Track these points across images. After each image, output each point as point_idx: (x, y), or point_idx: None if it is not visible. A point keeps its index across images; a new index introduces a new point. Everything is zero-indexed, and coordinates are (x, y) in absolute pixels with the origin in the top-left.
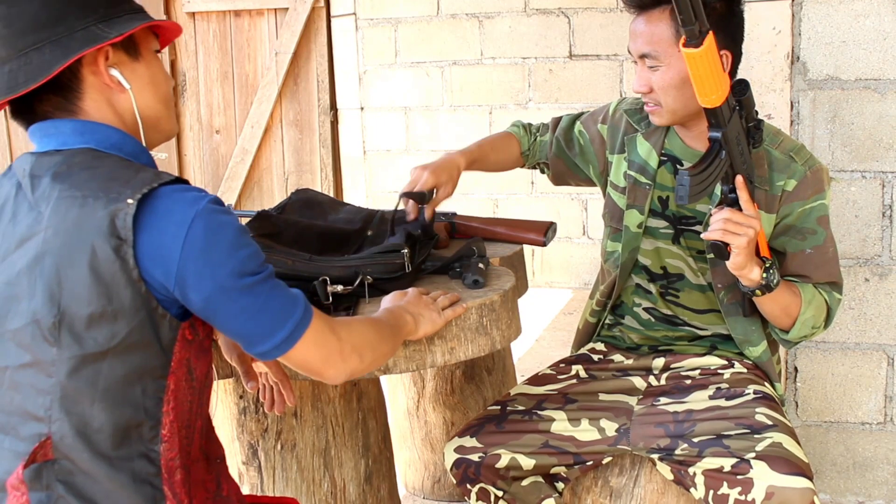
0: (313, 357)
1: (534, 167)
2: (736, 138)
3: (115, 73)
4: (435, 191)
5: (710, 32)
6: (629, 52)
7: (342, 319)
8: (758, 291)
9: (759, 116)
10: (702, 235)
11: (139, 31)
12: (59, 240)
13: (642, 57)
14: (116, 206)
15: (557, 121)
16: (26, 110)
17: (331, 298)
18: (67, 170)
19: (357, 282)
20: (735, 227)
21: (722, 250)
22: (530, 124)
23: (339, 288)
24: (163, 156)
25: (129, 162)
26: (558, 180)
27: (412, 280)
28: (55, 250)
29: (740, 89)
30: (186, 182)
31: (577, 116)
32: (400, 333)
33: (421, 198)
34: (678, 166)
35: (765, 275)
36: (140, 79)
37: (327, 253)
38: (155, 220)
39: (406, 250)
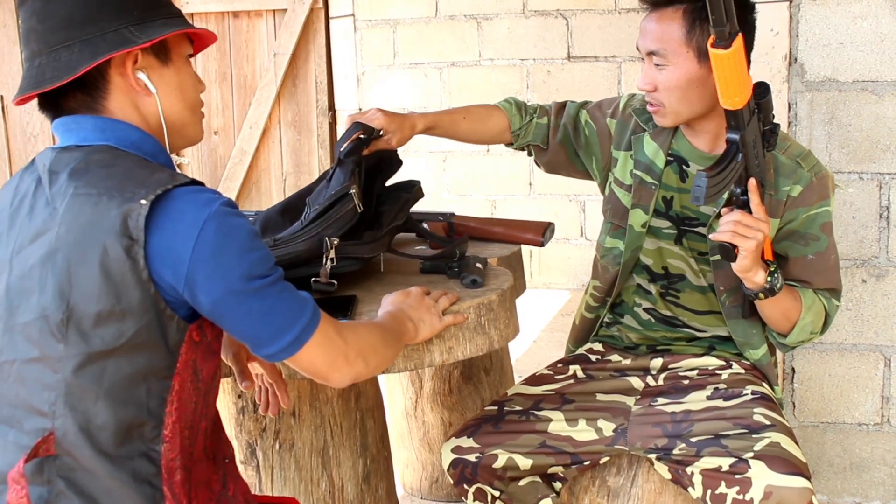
0: (320, 360)
1: (521, 149)
2: (752, 141)
3: (142, 76)
4: (382, 132)
5: (740, 34)
6: (637, 48)
7: (348, 323)
8: (761, 295)
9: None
10: (710, 236)
11: (172, 36)
12: (71, 237)
13: (650, 54)
14: (130, 206)
15: (561, 106)
16: (52, 105)
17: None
18: (85, 167)
19: (326, 250)
20: (745, 230)
21: (729, 252)
22: (525, 103)
23: (323, 281)
24: (186, 160)
25: (146, 161)
26: (551, 168)
27: (386, 244)
28: (67, 247)
29: (760, 92)
30: (202, 184)
31: (582, 105)
32: (402, 339)
33: (368, 129)
34: (684, 167)
35: (769, 279)
36: (167, 84)
37: (293, 223)
38: (167, 221)
39: (353, 190)
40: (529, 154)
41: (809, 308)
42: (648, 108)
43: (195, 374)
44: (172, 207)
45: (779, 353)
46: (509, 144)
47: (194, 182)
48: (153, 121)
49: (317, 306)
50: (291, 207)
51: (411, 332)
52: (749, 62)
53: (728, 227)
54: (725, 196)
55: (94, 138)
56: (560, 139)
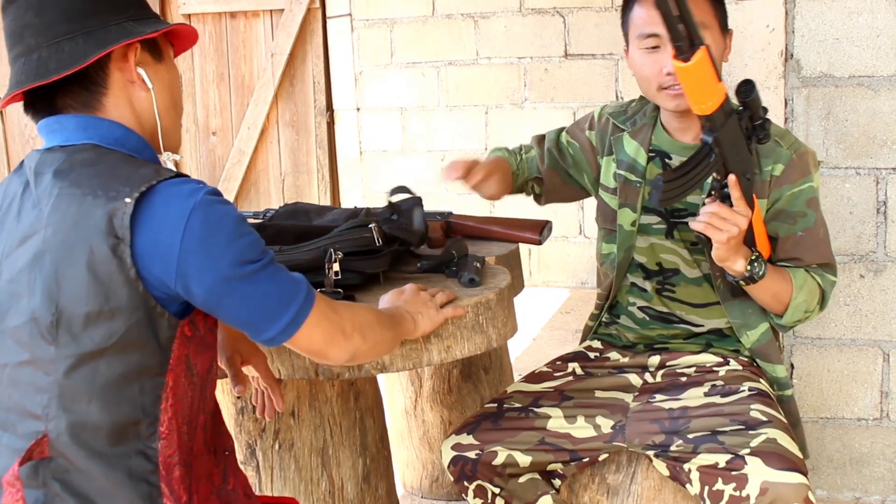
0: (318, 338)
1: (520, 190)
2: (731, 141)
3: (141, 71)
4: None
5: (704, 48)
6: (648, 36)
7: (344, 302)
8: (741, 282)
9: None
10: (689, 222)
11: (160, 36)
12: (58, 238)
13: None
14: (115, 205)
15: (540, 137)
16: (45, 102)
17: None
18: (69, 167)
19: (329, 261)
20: (719, 223)
21: (705, 240)
22: (513, 147)
23: (328, 290)
24: (176, 157)
25: (131, 158)
26: (550, 196)
27: (388, 262)
28: (54, 249)
29: (746, 90)
30: (187, 177)
31: (561, 130)
32: (401, 326)
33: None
34: (667, 160)
35: (749, 267)
36: (161, 81)
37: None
38: (152, 217)
39: (374, 224)
40: (528, 193)
41: (801, 288)
42: (668, 92)
43: (189, 369)
44: (157, 203)
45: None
46: (516, 191)
47: (179, 175)
48: (146, 117)
49: (310, 285)
50: (308, 234)
51: (410, 324)
52: (727, 47)
53: (704, 217)
54: (710, 182)
55: (78, 138)
56: (548, 164)
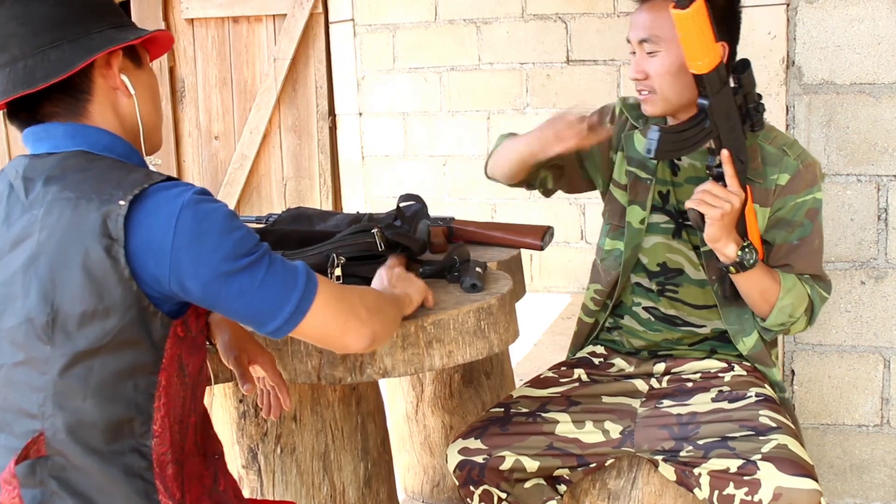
0: (330, 325)
1: (533, 177)
2: (725, 112)
3: (124, 78)
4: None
5: (702, 0)
6: (628, 41)
7: (347, 286)
8: (732, 268)
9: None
10: (685, 204)
11: (138, 42)
12: (53, 241)
13: (642, 42)
14: (109, 207)
15: None
16: (30, 111)
17: None
18: (61, 173)
19: (331, 266)
20: (712, 199)
21: (698, 219)
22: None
23: None
24: (157, 161)
25: (121, 163)
26: (560, 183)
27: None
28: (49, 251)
29: (741, 66)
30: (176, 180)
31: None
32: (399, 303)
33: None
34: (675, 160)
35: (740, 252)
36: (142, 85)
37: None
38: (144, 217)
39: (376, 230)
40: (535, 186)
41: (789, 290)
42: (638, 95)
43: (181, 368)
44: (149, 205)
45: (779, 349)
46: (528, 178)
47: (169, 179)
48: (129, 122)
49: (311, 272)
50: (311, 240)
51: (405, 298)
52: (737, 45)
53: (697, 195)
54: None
55: (66, 145)
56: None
